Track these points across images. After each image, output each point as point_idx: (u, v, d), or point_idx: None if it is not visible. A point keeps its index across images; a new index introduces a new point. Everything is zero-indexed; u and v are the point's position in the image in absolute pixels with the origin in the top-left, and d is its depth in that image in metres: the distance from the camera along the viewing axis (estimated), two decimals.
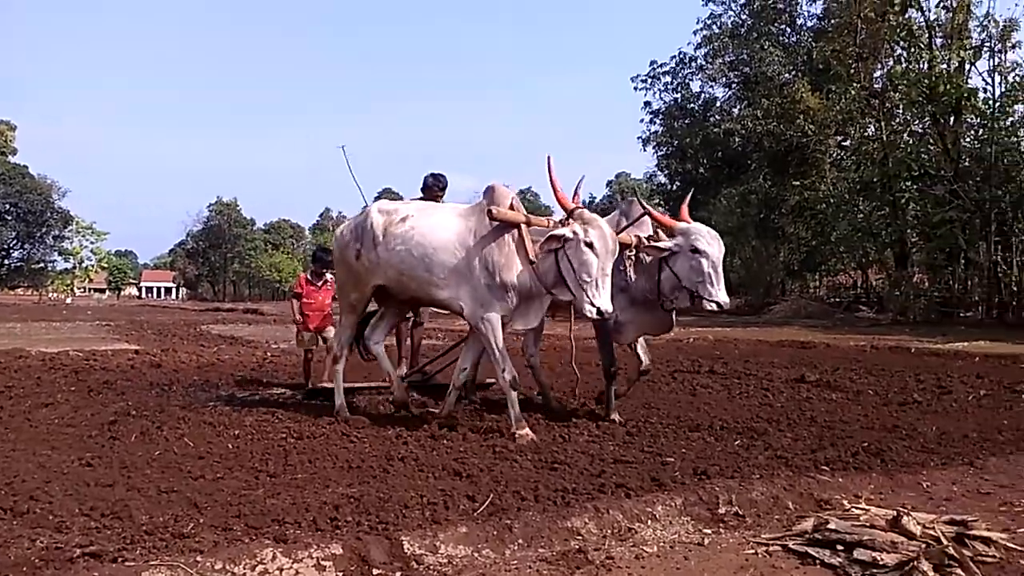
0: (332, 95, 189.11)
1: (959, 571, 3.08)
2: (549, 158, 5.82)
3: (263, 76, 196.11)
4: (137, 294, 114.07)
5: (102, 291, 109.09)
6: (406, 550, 3.28)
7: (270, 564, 3.07)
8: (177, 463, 4.85)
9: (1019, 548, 3.41)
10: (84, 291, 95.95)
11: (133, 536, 3.35)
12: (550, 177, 5.84)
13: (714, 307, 5.95)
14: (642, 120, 46.66)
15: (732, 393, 8.27)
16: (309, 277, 8.55)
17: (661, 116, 45.62)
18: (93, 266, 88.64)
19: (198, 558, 3.01)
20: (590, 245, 5.45)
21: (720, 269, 6.01)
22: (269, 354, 12.36)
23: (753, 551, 3.49)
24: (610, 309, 5.48)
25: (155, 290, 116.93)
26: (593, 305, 5.40)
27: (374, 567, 3.15)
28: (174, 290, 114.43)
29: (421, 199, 7.86)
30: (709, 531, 3.76)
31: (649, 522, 3.76)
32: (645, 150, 47.10)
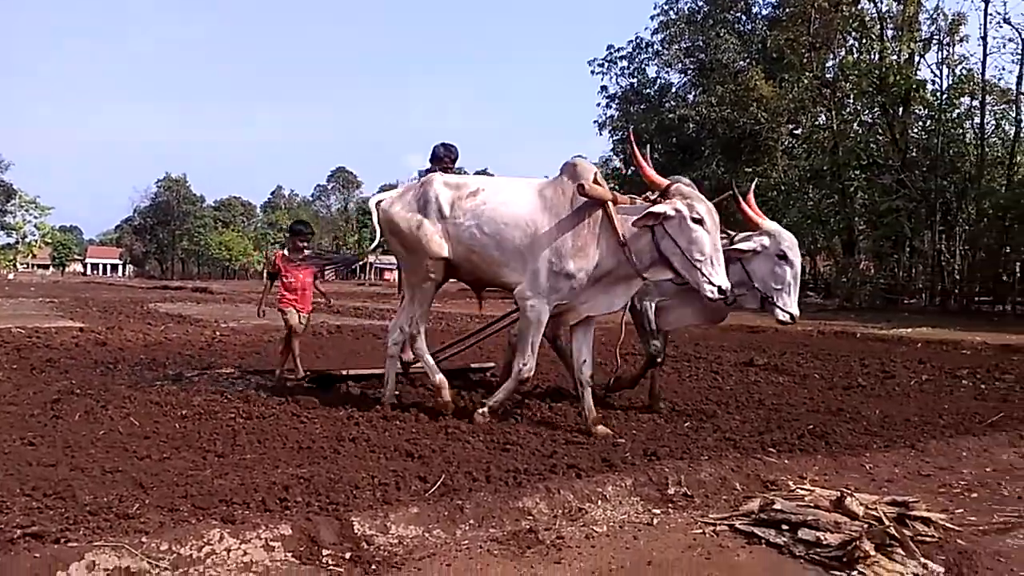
0: (284, 73, 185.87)
1: (899, 550, 3.16)
2: (631, 131, 5.73)
3: (215, 51, 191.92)
4: (82, 271, 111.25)
5: (46, 267, 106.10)
6: (356, 531, 3.25)
7: (217, 545, 3.02)
8: (122, 443, 4.75)
9: (957, 528, 3.52)
10: (27, 267, 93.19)
11: (76, 516, 3.27)
12: (634, 152, 5.54)
13: (787, 318, 5.66)
14: (598, 104, 46.77)
15: (682, 376, 8.37)
16: (286, 253, 7.91)
17: (617, 101, 45.74)
18: (36, 241, 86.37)
19: (143, 539, 2.95)
20: (699, 221, 5.03)
21: (798, 281, 5.73)
22: (218, 333, 12.18)
23: (701, 531, 3.55)
24: (729, 287, 5.07)
25: (101, 267, 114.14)
26: (712, 284, 4.99)
27: (324, 547, 3.13)
28: (120, 267, 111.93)
29: (429, 171, 7.09)
30: (658, 511, 3.81)
31: (600, 502, 3.79)
32: (601, 134, 47.25)
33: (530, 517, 3.57)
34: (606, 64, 46.03)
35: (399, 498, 3.66)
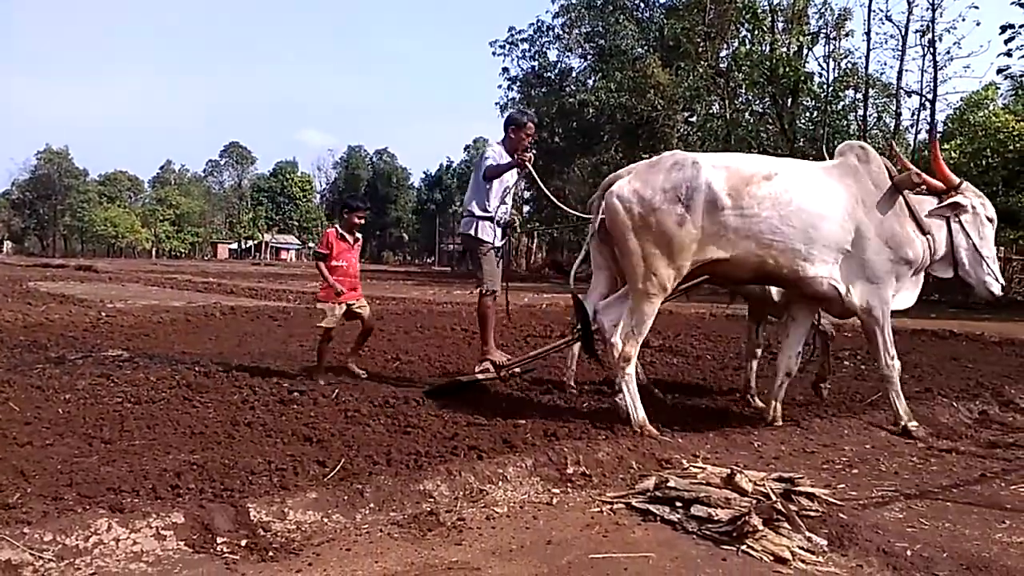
0: (175, 45, 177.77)
1: (786, 525, 3.31)
2: (932, 129, 5.55)
3: (101, 20, 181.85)
4: None
5: None
6: (252, 517, 3.18)
7: (105, 535, 2.91)
8: (1, 429, 4.50)
9: (838, 503, 3.71)
10: None
11: None
12: (934, 153, 5.48)
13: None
14: (500, 86, 46.91)
15: (581, 357, 8.49)
16: (340, 232, 6.75)
17: (519, 83, 45.98)
18: None
19: (25, 529, 2.81)
20: (991, 220, 5.08)
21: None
22: (104, 314, 11.63)
23: (598, 509, 3.62)
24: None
25: None
26: (998, 282, 4.98)
27: (218, 535, 3.05)
28: None
29: (505, 141, 6.39)
30: (558, 491, 3.87)
31: (500, 483, 3.82)
32: (502, 116, 47.38)
33: (431, 500, 3.57)
34: (507, 46, 46.22)
35: (297, 483, 3.61)
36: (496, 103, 46.66)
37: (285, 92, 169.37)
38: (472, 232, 6.35)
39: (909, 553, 3.10)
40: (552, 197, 6.83)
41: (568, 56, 44.88)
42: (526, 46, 45.71)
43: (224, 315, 12.29)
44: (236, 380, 6.31)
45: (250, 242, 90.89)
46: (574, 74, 44.87)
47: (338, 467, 3.84)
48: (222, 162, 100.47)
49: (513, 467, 3.96)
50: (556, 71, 45.51)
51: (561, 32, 43.61)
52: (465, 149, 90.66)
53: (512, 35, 45.88)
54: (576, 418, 5.19)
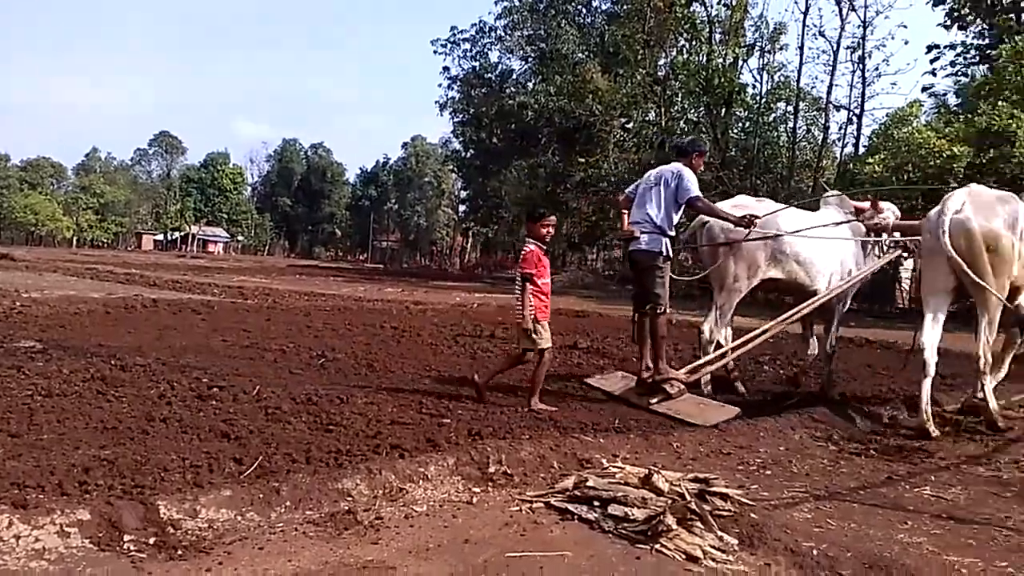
0: (104, 29, 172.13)
1: (699, 524, 3.38)
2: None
3: (25, 2, 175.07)
4: None
5: None
6: (163, 515, 3.11)
7: (5, 531, 2.80)
8: None
9: (750, 503, 3.81)
10: None
11: None
12: None
13: None
14: (440, 85, 46.82)
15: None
16: (540, 247, 5.89)
17: (459, 83, 45.87)
18: None
19: None
20: None
21: None
22: (18, 304, 11.18)
23: (518, 508, 3.64)
24: None
25: None
26: None
27: (125, 533, 2.96)
28: None
29: (688, 165, 6.37)
30: (478, 490, 3.88)
31: (421, 482, 3.81)
32: (442, 115, 47.28)
33: (350, 498, 3.54)
34: (449, 45, 46.06)
35: (211, 480, 3.53)
36: (436, 101, 46.53)
37: (219, 82, 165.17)
38: (658, 249, 6.17)
39: (815, 552, 3.20)
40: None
41: (509, 58, 45.04)
42: (468, 46, 45.69)
43: (145, 307, 11.92)
44: (154, 374, 6.14)
45: (177, 234, 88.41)
46: (515, 76, 45.00)
47: (255, 465, 3.77)
48: (151, 151, 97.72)
49: (435, 466, 3.95)
50: (497, 72, 45.56)
51: (503, 34, 43.70)
52: (403, 147, 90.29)
53: (454, 35, 45.81)
54: (502, 418, 5.20)
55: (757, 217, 6.28)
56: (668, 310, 6.33)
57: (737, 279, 6.57)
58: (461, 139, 47.59)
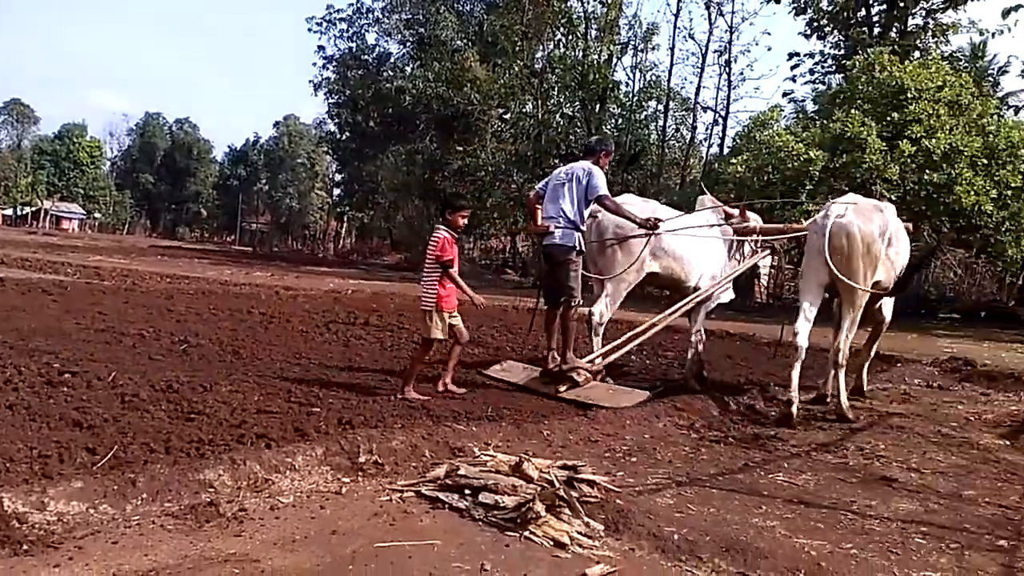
0: None
1: (567, 511, 3.45)
2: None
3: None
4: None
5: None
6: (7, 508, 2.90)
7: None
8: None
9: (616, 489, 3.92)
10: None
11: None
12: None
13: None
14: (315, 64, 45.66)
15: (384, 345, 8.45)
16: (453, 235, 5.91)
17: (335, 63, 44.87)
18: None
19: None
20: None
21: None
22: None
23: (388, 498, 3.61)
24: None
25: None
26: None
27: None
28: None
29: (589, 160, 6.61)
30: (348, 480, 3.82)
31: (288, 472, 3.72)
32: (316, 95, 46.14)
33: (211, 490, 3.41)
34: (325, 24, 44.99)
35: (62, 471, 3.33)
36: (311, 81, 45.36)
37: (76, 49, 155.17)
38: (572, 243, 6.32)
39: (676, 537, 3.33)
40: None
41: (387, 41, 44.39)
42: (344, 26, 44.73)
43: None
44: None
45: (27, 209, 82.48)
46: (392, 59, 44.39)
47: (109, 455, 3.57)
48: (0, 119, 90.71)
49: (303, 456, 3.86)
50: (374, 55, 44.85)
51: (381, 16, 43.02)
52: (275, 126, 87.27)
53: (330, 13, 44.74)
54: (373, 406, 5.14)
55: (660, 220, 6.65)
56: (580, 302, 6.49)
57: (626, 271, 6.78)
58: (337, 121, 46.62)
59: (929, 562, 3.29)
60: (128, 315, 9.00)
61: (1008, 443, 5.92)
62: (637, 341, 7.12)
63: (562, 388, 6.23)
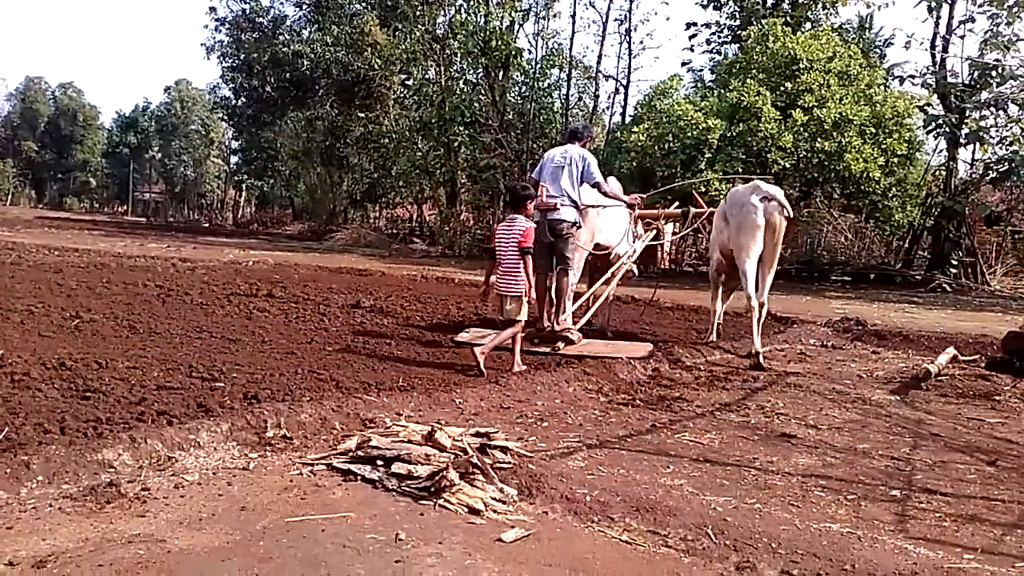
0: None
1: (481, 477, 3.47)
2: None
3: None
4: None
5: None
6: None
7: None
8: None
9: (529, 454, 3.96)
10: None
11: None
12: None
13: None
14: (207, 26, 43.76)
15: (289, 317, 8.27)
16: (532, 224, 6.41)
17: (228, 25, 43.08)
18: None
19: None
20: None
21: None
22: None
23: (298, 472, 3.55)
24: None
25: None
26: None
27: None
28: None
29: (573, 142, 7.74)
30: (256, 455, 3.73)
31: (192, 450, 3.61)
32: (209, 59, 44.31)
33: (111, 470, 3.28)
34: None
35: None
36: (203, 44, 43.70)
37: None
38: (573, 219, 7.25)
39: (588, 499, 3.39)
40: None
41: (283, 3, 42.94)
42: None
43: None
44: None
45: None
46: (288, 22, 42.87)
47: (0, 437, 3.39)
48: None
49: (207, 432, 3.76)
50: (269, 17, 43.20)
51: None
52: (166, 91, 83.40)
53: None
54: (280, 379, 5.03)
55: (638, 200, 8.33)
56: (578, 273, 7.62)
57: (583, 243, 7.66)
58: (231, 86, 44.84)
59: (828, 513, 3.46)
60: (15, 290, 8.52)
61: (898, 398, 6.27)
62: (600, 301, 8.33)
63: (561, 346, 7.10)
